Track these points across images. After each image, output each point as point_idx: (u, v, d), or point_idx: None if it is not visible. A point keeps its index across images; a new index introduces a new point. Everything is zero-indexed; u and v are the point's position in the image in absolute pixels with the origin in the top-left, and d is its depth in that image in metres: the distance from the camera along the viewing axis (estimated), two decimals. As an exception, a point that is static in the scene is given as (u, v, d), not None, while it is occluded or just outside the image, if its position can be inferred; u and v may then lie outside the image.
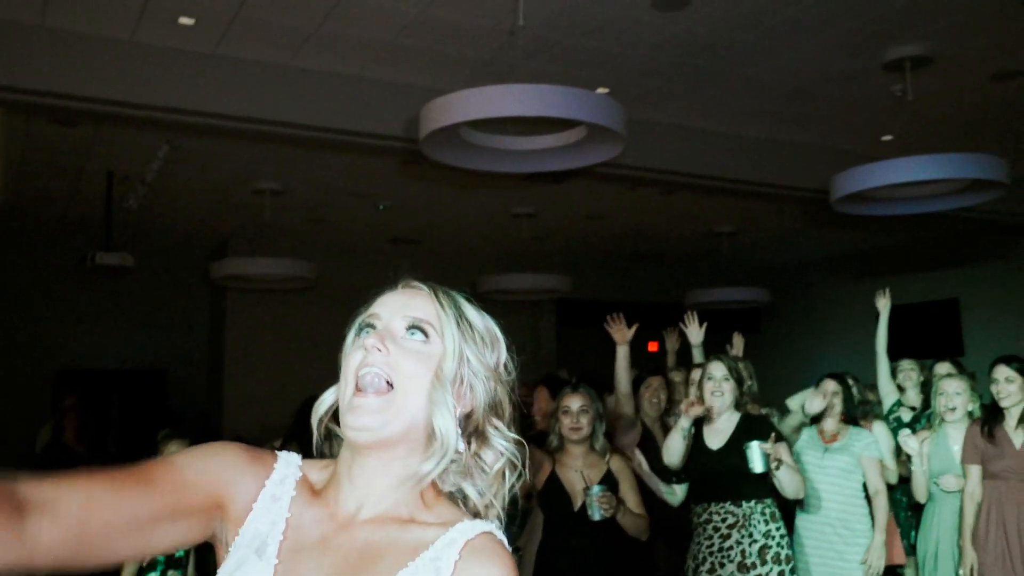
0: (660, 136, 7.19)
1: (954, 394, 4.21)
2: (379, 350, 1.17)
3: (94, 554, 1.03)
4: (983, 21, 5.46)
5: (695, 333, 5.53)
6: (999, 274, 11.27)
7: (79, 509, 1.01)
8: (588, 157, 4.82)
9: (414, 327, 1.21)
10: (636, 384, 5.26)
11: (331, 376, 1.24)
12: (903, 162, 5.54)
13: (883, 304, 5.51)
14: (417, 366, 1.18)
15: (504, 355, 1.27)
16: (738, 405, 3.94)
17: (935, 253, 11.78)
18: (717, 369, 3.96)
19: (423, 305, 1.24)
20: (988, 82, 6.44)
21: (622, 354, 4.88)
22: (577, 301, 12.56)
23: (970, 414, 4.22)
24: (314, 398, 1.24)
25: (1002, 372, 4.08)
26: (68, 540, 0.99)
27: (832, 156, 7.67)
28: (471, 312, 1.26)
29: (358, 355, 1.18)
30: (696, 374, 4.57)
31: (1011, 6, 5.26)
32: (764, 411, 4.75)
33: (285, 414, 5.39)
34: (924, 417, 4.97)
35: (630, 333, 4.89)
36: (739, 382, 3.94)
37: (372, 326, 1.22)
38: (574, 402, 3.72)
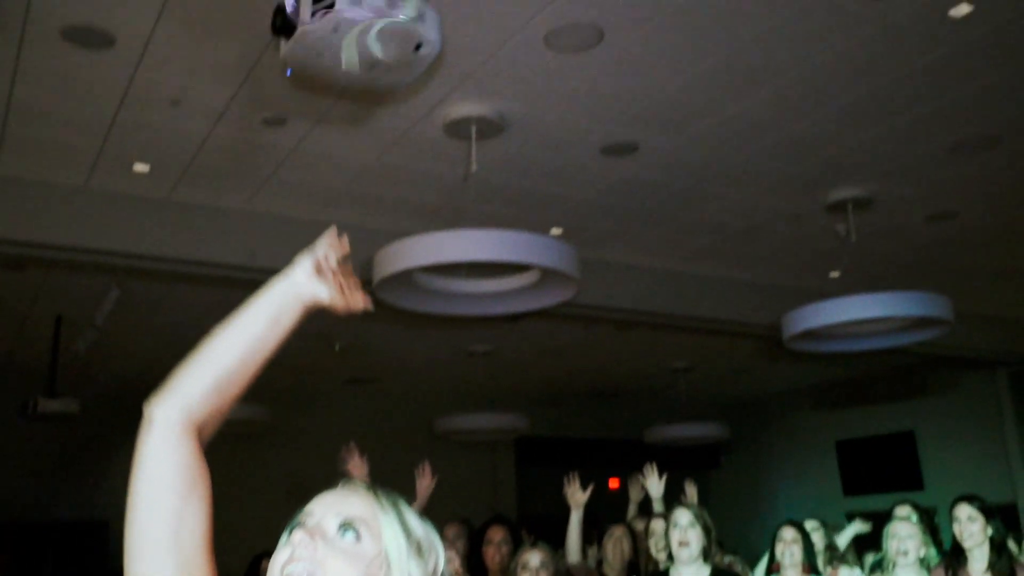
0: (614, 275, 7.29)
1: (907, 537, 4.12)
2: (307, 548, 1.13)
3: None
4: (917, 167, 5.70)
5: (655, 485, 5.28)
6: (953, 406, 11.38)
7: None
8: (542, 299, 4.85)
9: (346, 526, 1.17)
10: (600, 535, 5.12)
11: (285, 521, 1.21)
12: (851, 300, 5.65)
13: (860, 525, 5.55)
14: (346, 567, 1.12)
15: (441, 564, 1.22)
16: (707, 556, 3.75)
17: (889, 385, 11.90)
18: (682, 516, 3.73)
19: (359, 504, 1.20)
20: (924, 223, 6.67)
21: (575, 520, 4.72)
22: (536, 440, 12.42)
23: (922, 560, 4.11)
24: (267, 554, 1.19)
25: (964, 511, 4.02)
26: None
27: (782, 293, 7.81)
28: (410, 517, 1.21)
29: (285, 552, 1.14)
30: (656, 524, 4.45)
31: (941, 155, 5.51)
32: (728, 559, 4.63)
33: (239, 561, 5.16)
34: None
35: (585, 496, 4.74)
36: (707, 530, 3.75)
37: (303, 524, 1.18)
38: (533, 557, 3.60)
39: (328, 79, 2.56)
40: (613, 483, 12.69)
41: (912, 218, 6.59)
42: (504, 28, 4.01)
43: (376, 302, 4.89)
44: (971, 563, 3.94)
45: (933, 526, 5.30)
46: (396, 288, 4.63)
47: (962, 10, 3.99)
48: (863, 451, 12.25)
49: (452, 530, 4.83)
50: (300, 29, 2.34)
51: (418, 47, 2.47)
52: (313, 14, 2.34)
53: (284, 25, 2.38)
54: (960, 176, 5.86)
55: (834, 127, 5.13)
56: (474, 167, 4.87)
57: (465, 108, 4.72)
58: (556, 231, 6.54)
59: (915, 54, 4.37)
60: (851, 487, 12.03)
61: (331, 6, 2.32)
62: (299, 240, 5.51)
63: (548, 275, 4.58)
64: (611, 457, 12.86)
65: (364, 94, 4.38)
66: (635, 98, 4.72)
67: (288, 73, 2.60)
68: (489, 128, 4.85)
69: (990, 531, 3.94)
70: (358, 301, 1.35)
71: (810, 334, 6.02)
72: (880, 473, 11.65)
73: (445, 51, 4.13)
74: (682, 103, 4.80)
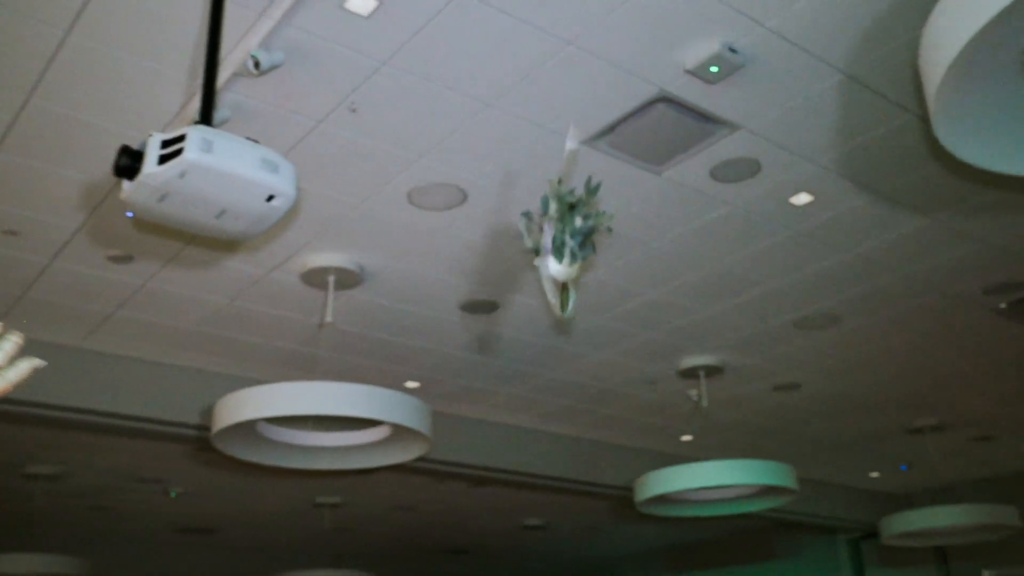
0: (469, 431, 7.18)
1: None
2: None
3: None
4: (763, 340, 5.93)
5: None
6: (797, 570, 11.56)
7: None
8: (393, 455, 4.68)
9: None
10: None
11: None
12: (701, 467, 5.70)
13: None
14: None
15: None
16: None
17: (736, 548, 12.03)
18: None
19: None
20: (770, 391, 6.90)
21: None
22: (382, 598, 11.85)
23: None
24: None
25: None
26: None
27: (637, 454, 7.87)
28: None
29: None
30: None
31: (785, 329, 5.76)
32: None
33: None
34: None
35: None
36: None
37: None
38: None
39: (172, 225, 2.43)
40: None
41: (760, 387, 6.81)
42: (367, 183, 4.00)
43: (207, 445, 4.63)
44: None
45: None
46: (237, 438, 4.37)
47: (802, 199, 4.25)
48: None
49: None
50: (143, 172, 2.23)
51: (270, 198, 2.39)
52: (161, 160, 2.24)
53: (127, 167, 2.26)
54: (803, 349, 6.12)
55: (686, 298, 5.30)
56: (329, 317, 4.75)
57: (324, 258, 4.64)
58: (412, 384, 6.42)
59: (761, 236, 4.60)
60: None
61: (179, 152, 2.23)
62: (136, 380, 5.19)
63: (400, 431, 4.43)
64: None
65: (214, 241, 4.25)
66: (497, 258, 4.75)
67: (129, 215, 2.47)
68: (347, 278, 4.77)
69: None
70: None
71: (661, 498, 6.03)
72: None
73: (306, 201, 4.08)
74: (542, 266, 4.87)
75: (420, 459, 6.83)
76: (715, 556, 12.31)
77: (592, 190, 2.76)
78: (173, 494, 8.54)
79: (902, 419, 7.66)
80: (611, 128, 3.66)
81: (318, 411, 4.05)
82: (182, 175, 2.25)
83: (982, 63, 1.74)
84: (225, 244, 4.37)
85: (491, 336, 5.72)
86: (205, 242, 4.36)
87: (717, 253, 4.78)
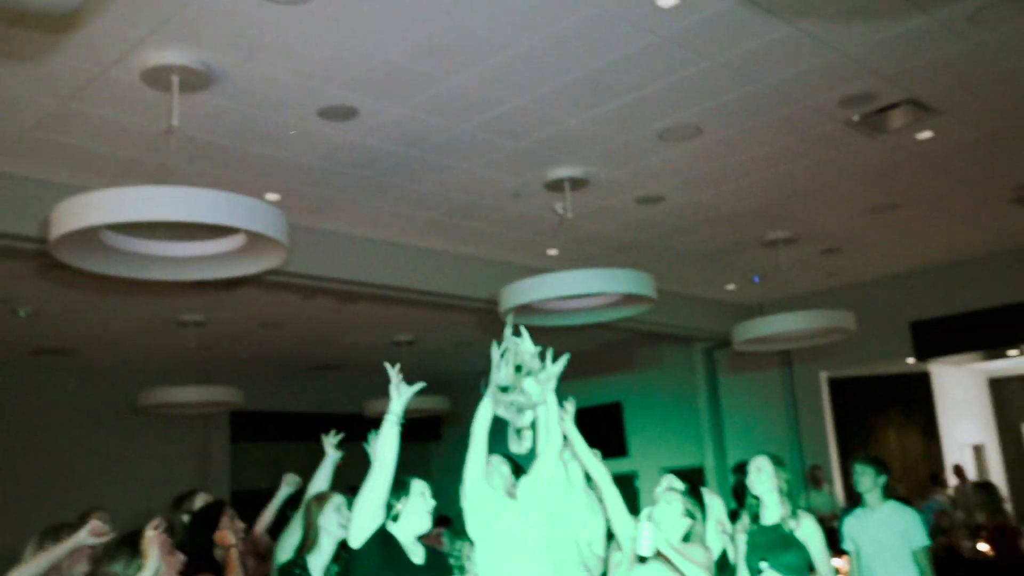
0: (333, 245, 7.06)
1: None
2: None
3: None
4: (628, 151, 5.94)
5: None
6: (655, 380, 12.23)
7: None
8: (248, 266, 4.54)
9: None
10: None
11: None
12: (562, 276, 5.82)
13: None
14: None
15: None
16: None
17: (599, 359, 12.56)
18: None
19: None
20: (634, 204, 7.00)
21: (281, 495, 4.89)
22: (252, 414, 11.92)
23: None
24: None
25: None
26: None
27: (502, 269, 7.95)
28: None
29: None
30: None
31: (649, 140, 5.77)
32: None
33: None
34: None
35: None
36: None
37: None
38: None
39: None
40: (334, 457, 12.47)
41: (624, 199, 6.89)
42: (208, -33, 3.66)
43: (49, 258, 4.38)
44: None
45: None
46: (80, 248, 4.14)
47: (670, 1, 4.15)
48: (575, 421, 12.86)
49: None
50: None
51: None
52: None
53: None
54: (667, 161, 6.18)
55: (552, 107, 5.21)
56: (175, 121, 4.45)
57: (166, 55, 4.29)
58: (272, 196, 6.20)
59: (626, 41, 4.50)
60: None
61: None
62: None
63: (255, 240, 4.28)
64: (331, 431, 12.61)
65: (39, 23, 3.85)
66: (354, 60, 4.51)
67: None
68: (194, 79, 4.45)
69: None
70: None
71: (525, 308, 6.14)
72: (589, 442, 12.27)
73: (138, -14, 3.71)
74: (403, 70, 4.66)
75: (284, 272, 6.75)
76: (581, 368, 12.76)
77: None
78: (22, 313, 8.18)
79: (758, 232, 7.96)
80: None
81: (166, 217, 3.85)
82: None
83: None
84: (51, 26, 3.96)
85: (351, 145, 5.52)
86: (27, 23, 3.93)
87: (582, 58, 4.66)
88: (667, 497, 3.49)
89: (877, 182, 6.90)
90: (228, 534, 3.90)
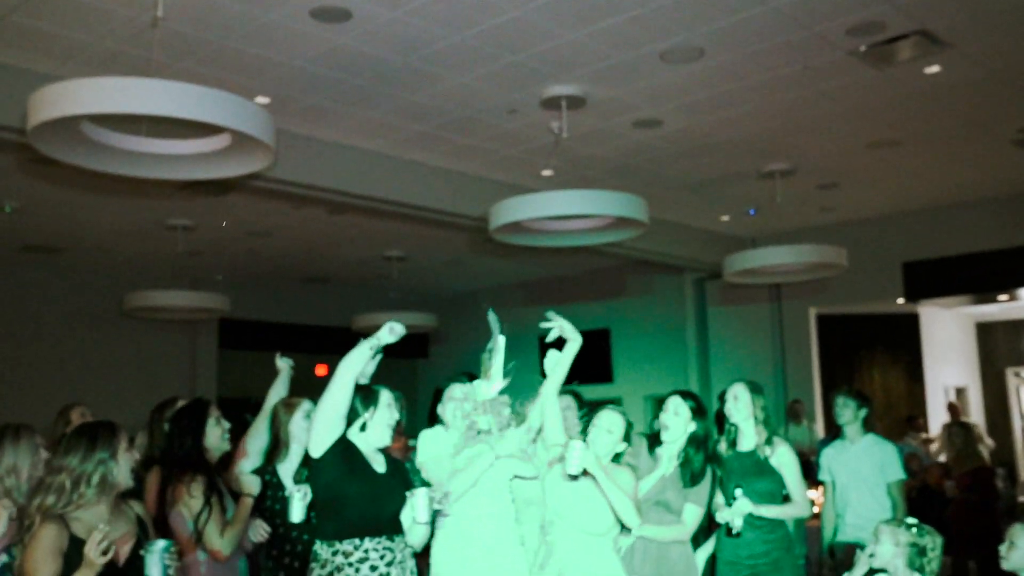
0: (324, 153, 6.94)
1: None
2: None
3: None
4: (627, 71, 5.80)
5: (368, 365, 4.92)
6: (644, 308, 12.22)
7: None
8: (232, 167, 4.44)
9: None
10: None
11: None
12: (554, 195, 5.74)
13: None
14: None
15: None
16: None
17: (590, 285, 12.55)
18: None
19: None
20: (631, 127, 6.87)
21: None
22: (241, 322, 11.94)
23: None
24: None
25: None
26: None
27: (495, 187, 7.85)
28: None
29: None
30: None
31: (649, 61, 5.63)
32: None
33: None
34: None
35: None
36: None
37: None
38: None
39: None
40: (320, 370, 12.52)
41: (621, 121, 6.76)
42: None
43: (34, 152, 4.28)
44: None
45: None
46: (58, 138, 4.03)
47: (678, -91, 3.98)
48: (563, 346, 12.90)
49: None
50: None
51: None
52: None
53: None
54: (667, 83, 6.04)
55: (551, 19, 5.06)
56: (160, 11, 4.30)
57: (152, -60, 4.13)
58: (262, 100, 6.06)
59: (632, -50, 4.34)
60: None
61: None
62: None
63: (240, 140, 4.17)
64: (319, 343, 12.65)
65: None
66: (348, -43, 4.35)
67: None
68: (180, -32, 4.29)
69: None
70: None
71: (516, 226, 6.07)
72: (577, 366, 12.32)
73: None
74: (399, -30, 4.50)
75: (274, 180, 6.65)
76: (570, 292, 12.81)
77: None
78: (8, 209, 8.08)
79: (755, 163, 7.84)
80: None
81: (148, 110, 3.75)
82: None
83: None
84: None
85: (343, 50, 5.37)
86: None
87: (585, -32, 4.51)
88: (606, 421, 3.54)
89: (880, 117, 6.77)
90: (246, 479, 3.76)
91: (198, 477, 3.62)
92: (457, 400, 3.68)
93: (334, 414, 3.13)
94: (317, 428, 3.15)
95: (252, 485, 3.67)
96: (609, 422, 3.57)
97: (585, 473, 3.31)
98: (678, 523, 3.73)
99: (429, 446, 3.74)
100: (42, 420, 4.87)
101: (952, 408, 10.72)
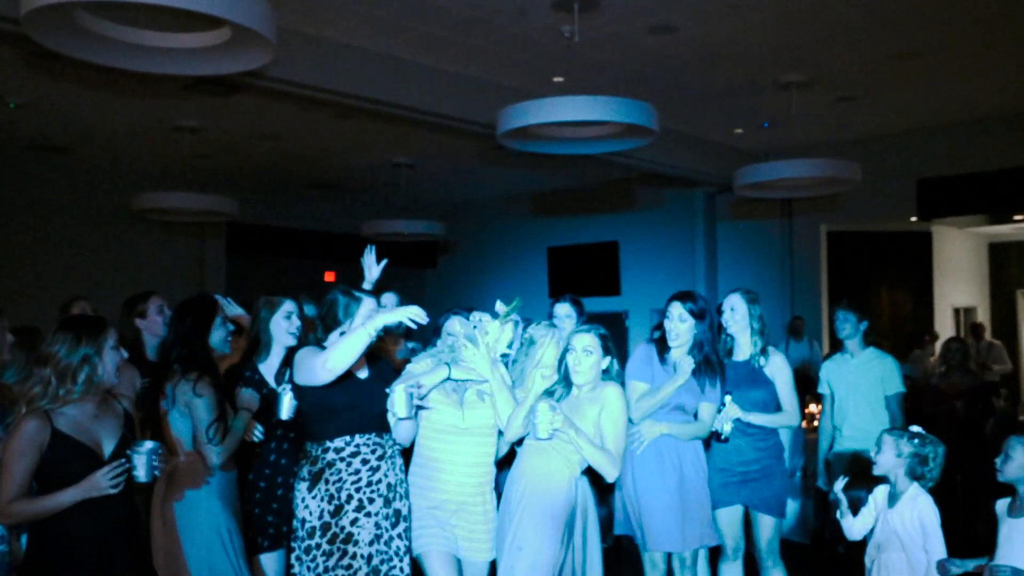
0: (331, 54, 6.80)
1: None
2: None
3: None
4: (643, -31, 5.61)
5: (372, 268, 4.62)
6: (654, 221, 12.13)
7: None
8: (232, 63, 4.35)
9: None
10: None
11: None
12: (563, 100, 5.63)
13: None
14: None
15: None
16: None
17: (599, 197, 12.45)
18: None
19: None
20: (647, 33, 6.69)
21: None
22: (250, 227, 11.93)
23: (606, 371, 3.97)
24: None
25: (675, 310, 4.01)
26: None
27: (505, 93, 7.70)
28: None
29: None
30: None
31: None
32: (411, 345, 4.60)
33: None
34: None
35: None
36: None
37: None
38: None
39: None
40: (329, 276, 12.57)
41: (636, 26, 6.58)
42: None
43: (27, 40, 4.20)
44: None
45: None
46: (53, 27, 3.94)
47: None
48: (571, 258, 12.90)
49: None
50: None
51: None
52: None
53: None
54: (682, -13, 5.86)
55: (564, -87, 4.88)
56: None
57: None
58: (266, -5, 5.90)
59: None
60: (557, 290, 12.68)
61: None
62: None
63: (240, 34, 4.07)
64: (327, 249, 12.66)
65: None
66: None
67: None
68: None
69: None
70: None
71: (524, 132, 5.97)
72: (584, 279, 12.35)
73: None
74: None
75: (279, 80, 6.54)
76: (580, 203, 12.73)
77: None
78: (12, 104, 8.00)
79: (772, 73, 7.66)
80: None
81: None
82: None
83: None
84: None
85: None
86: None
87: None
88: (581, 342, 3.49)
89: (904, 26, 6.57)
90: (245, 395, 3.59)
91: (205, 377, 3.38)
92: (457, 334, 3.59)
93: (321, 379, 3.09)
94: (303, 376, 3.16)
95: (252, 401, 3.54)
96: (584, 343, 3.49)
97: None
98: (696, 422, 3.86)
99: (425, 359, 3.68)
100: (50, 321, 4.84)
101: (976, 328, 10.69)
